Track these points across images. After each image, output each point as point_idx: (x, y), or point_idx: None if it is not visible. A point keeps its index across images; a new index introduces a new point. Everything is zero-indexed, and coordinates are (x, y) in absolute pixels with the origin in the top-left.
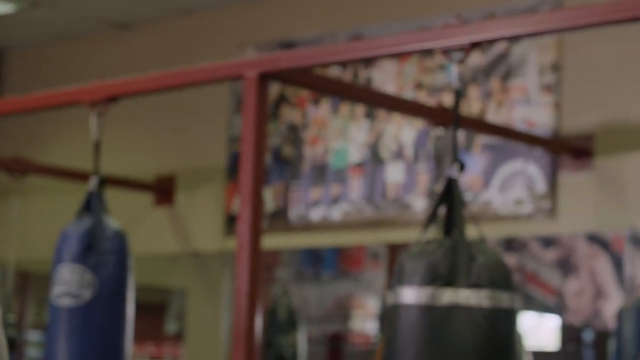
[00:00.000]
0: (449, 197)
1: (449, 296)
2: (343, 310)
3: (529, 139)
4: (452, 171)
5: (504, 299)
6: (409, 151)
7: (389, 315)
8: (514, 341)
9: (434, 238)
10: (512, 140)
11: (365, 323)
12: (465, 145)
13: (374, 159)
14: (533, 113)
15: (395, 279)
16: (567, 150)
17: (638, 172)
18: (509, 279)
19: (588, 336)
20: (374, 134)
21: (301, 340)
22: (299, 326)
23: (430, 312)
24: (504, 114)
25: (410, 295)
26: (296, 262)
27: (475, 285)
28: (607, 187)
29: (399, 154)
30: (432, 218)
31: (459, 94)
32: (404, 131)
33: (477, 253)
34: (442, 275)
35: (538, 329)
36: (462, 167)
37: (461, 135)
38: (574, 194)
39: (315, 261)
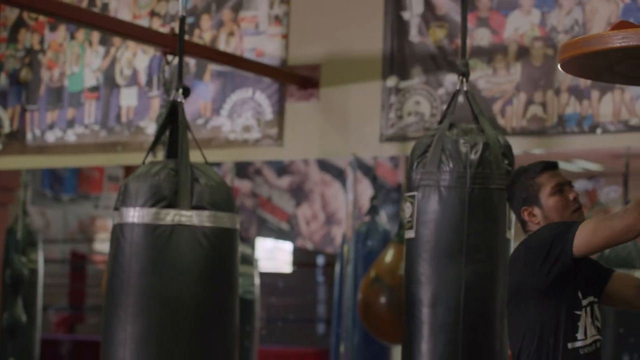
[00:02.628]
0: (173, 120)
1: (172, 216)
2: (85, 232)
3: (258, 68)
4: (177, 96)
5: (225, 220)
6: (142, 77)
7: (114, 235)
8: (235, 259)
9: (158, 160)
10: (241, 69)
11: (106, 244)
12: (197, 73)
13: (109, 84)
14: (262, 43)
15: (119, 199)
16: (294, 79)
17: (360, 102)
18: (231, 201)
19: (320, 260)
20: (109, 59)
21: (41, 259)
22: (39, 246)
23: (154, 232)
24: (234, 43)
25: (133, 215)
26: (36, 184)
27: (197, 206)
28: (331, 115)
29: (133, 80)
30: (156, 141)
31: (183, 21)
32: (138, 57)
33: (199, 175)
34: (165, 197)
35: (273, 253)
36: (186, 92)
37: (192, 63)
38: (300, 121)
39: (55, 183)
